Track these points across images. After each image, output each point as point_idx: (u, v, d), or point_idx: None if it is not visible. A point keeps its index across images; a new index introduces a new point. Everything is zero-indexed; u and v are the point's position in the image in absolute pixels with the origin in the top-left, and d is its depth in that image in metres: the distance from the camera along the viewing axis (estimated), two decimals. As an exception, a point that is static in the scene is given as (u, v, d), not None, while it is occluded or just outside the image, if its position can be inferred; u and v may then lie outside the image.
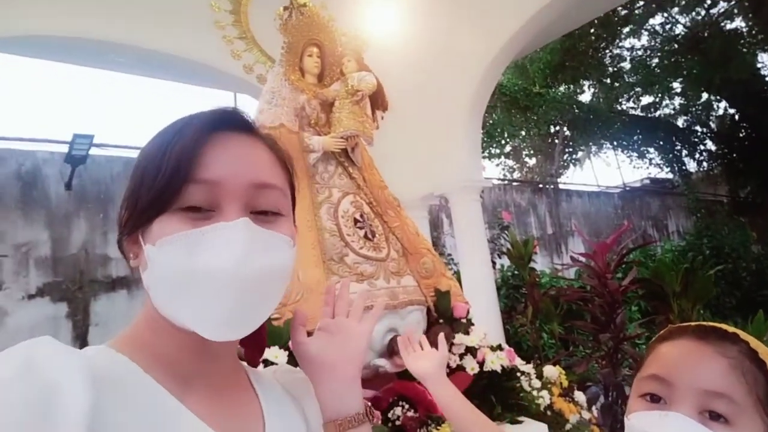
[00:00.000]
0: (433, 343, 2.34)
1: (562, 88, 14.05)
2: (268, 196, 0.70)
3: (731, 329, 0.86)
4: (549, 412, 2.72)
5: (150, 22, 4.50)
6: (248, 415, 0.75)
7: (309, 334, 2.31)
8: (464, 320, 2.48)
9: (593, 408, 4.57)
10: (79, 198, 5.88)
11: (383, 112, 2.67)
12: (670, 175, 14.56)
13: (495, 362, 2.31)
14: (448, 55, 4.88)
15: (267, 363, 1.87)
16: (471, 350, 2.35)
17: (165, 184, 0.64)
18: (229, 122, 0.70)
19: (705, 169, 14.69)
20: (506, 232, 6.64)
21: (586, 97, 14.75)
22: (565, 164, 13.85)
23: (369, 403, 0.84)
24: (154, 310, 0.67)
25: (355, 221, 2.32)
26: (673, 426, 0.78)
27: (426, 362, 1.54)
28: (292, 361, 1.91)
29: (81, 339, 5.62)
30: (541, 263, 9.60)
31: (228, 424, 0.69)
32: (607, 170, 25.18)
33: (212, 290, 0.62)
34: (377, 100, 2.61)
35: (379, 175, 2.67)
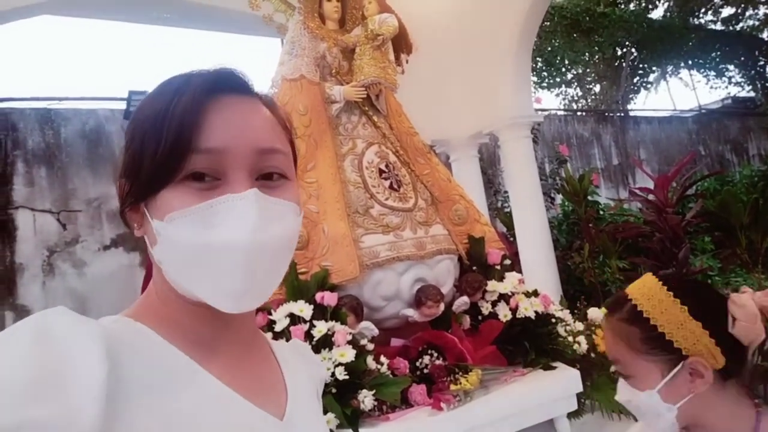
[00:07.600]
0: (464, 291, 2.34)
1: (632, 6, 12.99)
2: (272, 160, 0.69)
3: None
4: (593, 354, 2.67)
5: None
6: (270, 382, 0.76)
7: (335, 287, 2.31)
8: (498, 266, 2.43)
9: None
10: (140, 153, 6.13)
11: (408, 55, 2.54)
12: (752, 94, 13.40)
13: (528, 309, 2.26)
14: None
15: (293, 317, 1.92)
16: (504, 297, 2.32)
17: (167, 154, 0.62)
18: (228, 84, 0.68)
19: (792, 84, 13.38)
20: (564, 166, 6.37)
21: (657, 14, 13.62)
22: (635, 88, 13.00)
23: None
24: (166, 283, 0.67)
25: (381, 172, 2.27)
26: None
27: None
28: (318, 314, 1.95)
29: (155, 285, 6.00)
30: (605, 195, 9.22)
31: (249, 389, 0.69)
32: (680, 94, 23.44)
33: (228, 264, 0.61)
34: (400, 43, 2.47)
35: (408, 121, 2.58)
